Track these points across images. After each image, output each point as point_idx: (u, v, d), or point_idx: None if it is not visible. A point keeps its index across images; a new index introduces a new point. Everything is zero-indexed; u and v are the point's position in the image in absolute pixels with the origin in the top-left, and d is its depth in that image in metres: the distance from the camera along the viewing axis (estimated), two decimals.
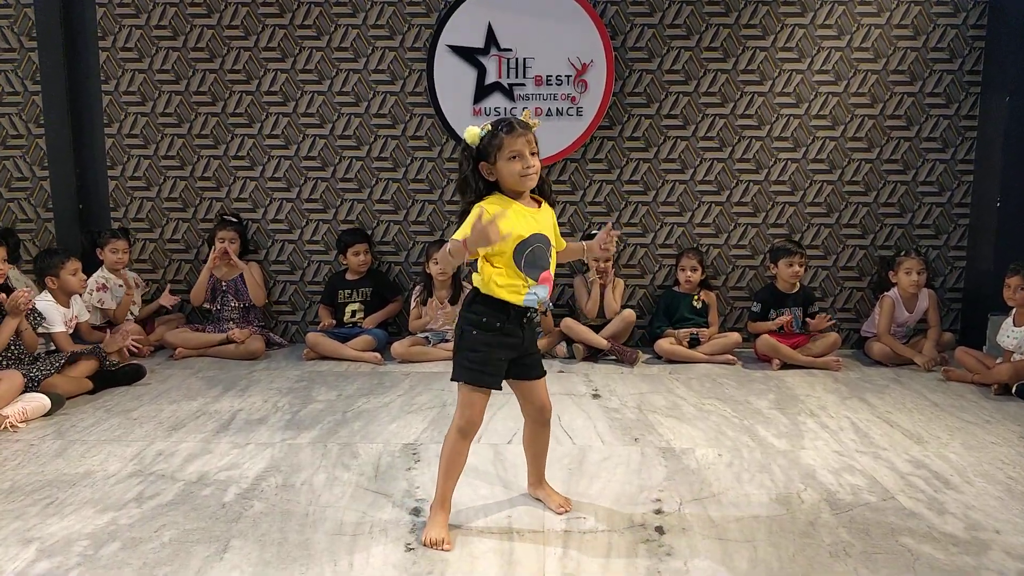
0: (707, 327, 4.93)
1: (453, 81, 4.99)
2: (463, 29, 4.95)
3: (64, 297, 4.27)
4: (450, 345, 4.59)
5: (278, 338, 5.15)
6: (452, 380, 2.44)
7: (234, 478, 2.89)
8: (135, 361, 4.42)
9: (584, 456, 3.14)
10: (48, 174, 5.10)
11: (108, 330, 4.46)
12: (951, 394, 4.12)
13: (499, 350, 2.41)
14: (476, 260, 2.38)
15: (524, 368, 2.51)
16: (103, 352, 4.07)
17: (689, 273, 4.94)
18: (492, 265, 2.37)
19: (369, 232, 5.15)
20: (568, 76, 4.98)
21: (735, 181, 5.15)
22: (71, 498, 2.71)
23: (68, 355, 3.93)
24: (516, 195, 2.40)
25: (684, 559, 2.30)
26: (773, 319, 4.78)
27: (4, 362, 3.75)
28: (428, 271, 4.84)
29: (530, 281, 2.38)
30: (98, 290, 4.71)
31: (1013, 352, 4.19)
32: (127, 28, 5.02)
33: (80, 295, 4.45)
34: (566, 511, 2.61)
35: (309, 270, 5.26)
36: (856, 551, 2.35)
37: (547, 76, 4.97)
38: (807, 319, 4.80)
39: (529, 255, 2.37)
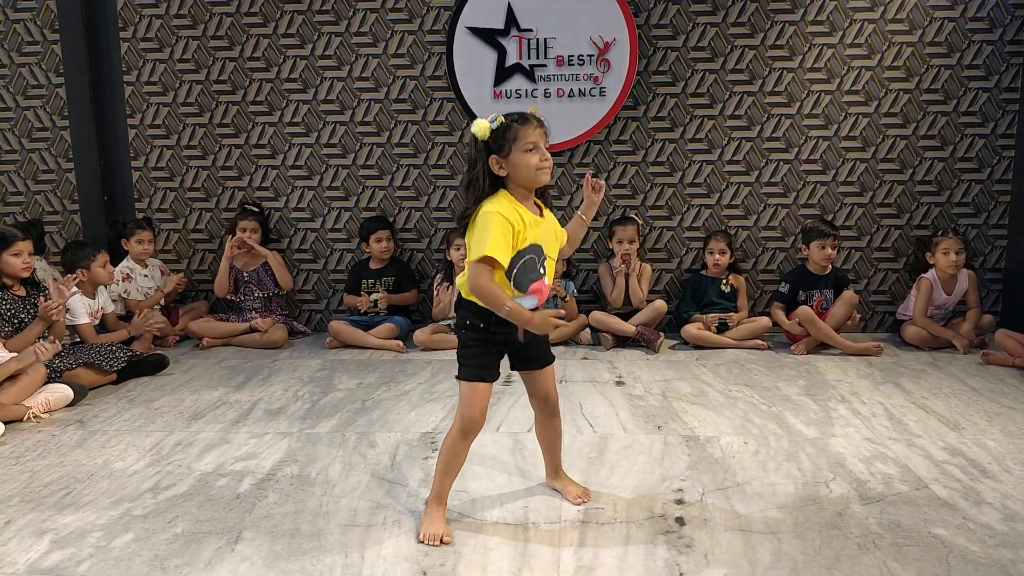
0: (736, 311, 4.81)
1: (473, 64, 4.91)
2: (482, 10, 4.86)
3: (90, 288, 4.30)
4: None
5: (301, 327, 5.14)
6: (456, 378, 2.39)
7: (250, 468, 2.87)
8: (158, 351, 4.44)
9: (605, 445, 3.07)
10: (73, 166, 5.13)
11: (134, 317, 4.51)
12: (990, 378, 3.96)
13: (490, 346, 2.36)
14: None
15: (527, 359, 2.46)
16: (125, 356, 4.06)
17: (717, 256, 4.82)
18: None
19: (391, 219, 5.11)
20: (591, 56, 4.86)
21: (764, 161, 5.01)
22: (87, 489, 2.71)
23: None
24: (523, 196, 2.31)
25: (705, 551, 2.22)
26: (803, 301, 4.64)
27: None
28: (449, 257, 4.79)
29: (516, 293, 2.30)
30: (123, 280, 4.73)
31: None
32: (147, 18, 5.02)
33: (107, 287, 4.48)
34: (584, 502, 2.54)
35: (332, 258, 5.24)
36: (886, 543, 2.25)
37: (569, 56, 4.86)
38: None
39: (520, 268, 2.28)
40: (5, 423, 3.31)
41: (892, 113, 4.91)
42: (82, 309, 4.18)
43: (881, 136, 4.94)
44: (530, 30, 4.86)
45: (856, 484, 2.67)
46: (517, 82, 4.90)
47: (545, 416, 2.55)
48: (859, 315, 4.70)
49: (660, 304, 4.72)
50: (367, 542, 2.30)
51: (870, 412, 3.44)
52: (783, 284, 4.76)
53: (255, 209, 5.01)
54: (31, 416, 3.41)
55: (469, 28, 4.88)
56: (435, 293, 4.88)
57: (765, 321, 4.72)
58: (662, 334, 4.66)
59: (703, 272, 4.94)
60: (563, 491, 2.59)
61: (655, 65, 4.95)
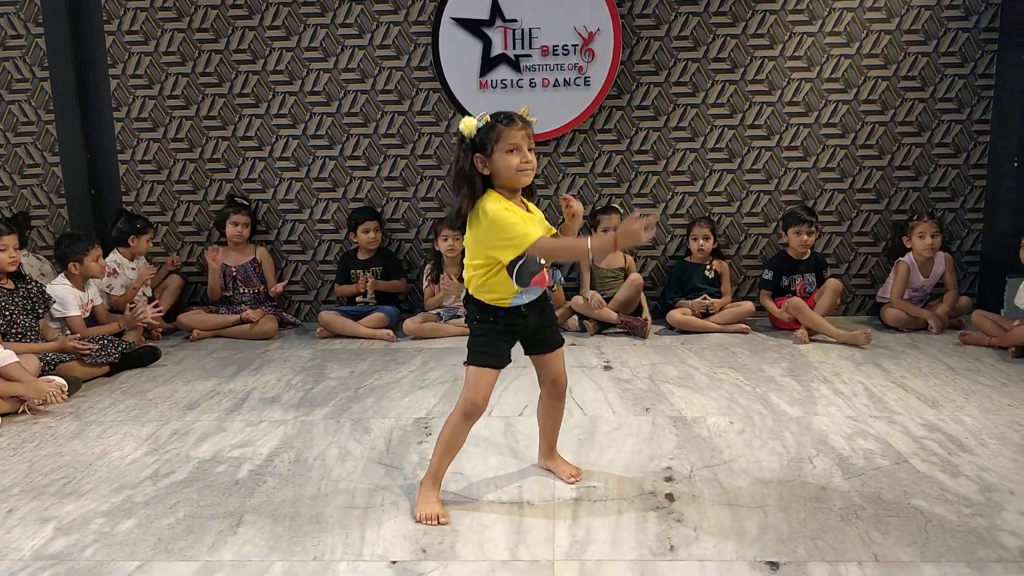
0: (720, 297, 4.90)
1: (459, 54, 4.95)
2: (467, 1, 4.89)
3: (81, 281, 4.32)
4: (461, 321, 4.60)
5: (291, 317, 5.17)
6: (464, 364, 2.43)
7: (247, 455, 2.92)
8: (149, 343, 4.47)
9: (595, 427, 3.14)
10: (59, 160, 5.13)
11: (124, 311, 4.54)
12: (967, 358, 4.07)
13: (501, 335, 2.41)
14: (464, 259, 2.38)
15: (537, 343, 2.52)
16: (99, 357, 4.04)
17: (701, 242, 4.90)
18: (481, 273, 2.35)
19: (379, 209, 5.15)
20: (575, 45, 4.92)
21: (746, 148, 5.09)
22: (87, 478, 2.75)
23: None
24: (508, 195, 2.36)
25: (694, 525, 2.30)
26: (786, 286, 4.75)
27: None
28: (438, 248, 4.84)
29: (518, 288, 2.34)
30: (109, 275, 4.74)
31: None
32: (132, 11, 5.02)
33: (98, 280, 4.50)
34: (577, 481, 2.61)
35: (320, 249, 5.27)
36: (867, 515, 2.34)
37: (553, 46, 4.92)
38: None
39: (522, 265, 2.31)
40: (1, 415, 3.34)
41: (871, 100, 5.01)
42: (73, 301, 4.20)
43: (860, 123, 5.03)
44: (515, 20, 4.91)
45: (838, 460, 2.76)
46: (503, 72, 4.95)
47: (552, 399, 2.61)
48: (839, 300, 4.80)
49: (635, 277, 4.75)
50: (366, 523, 2.37)
51: (851, 392, 3.54)
52: (767, 271, 4.85)
53: (245, 203, 5.03)
54: (26, 408, 3.44)
55: (454, 19, 4.92)
56: (424, 284, 4.94)
57: (748, 306, 4.81)
58: (648, 320, 4.73)
59: (687, 258, 5.02)
60: (556, 471, 2.66)
61: (639, 55, 5.01)
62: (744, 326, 4.73)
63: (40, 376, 3.61)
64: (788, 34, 4.96)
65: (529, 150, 2.33)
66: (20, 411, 3.43)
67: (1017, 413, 3.21)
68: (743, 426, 3.12)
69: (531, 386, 2.66)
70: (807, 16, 4.94)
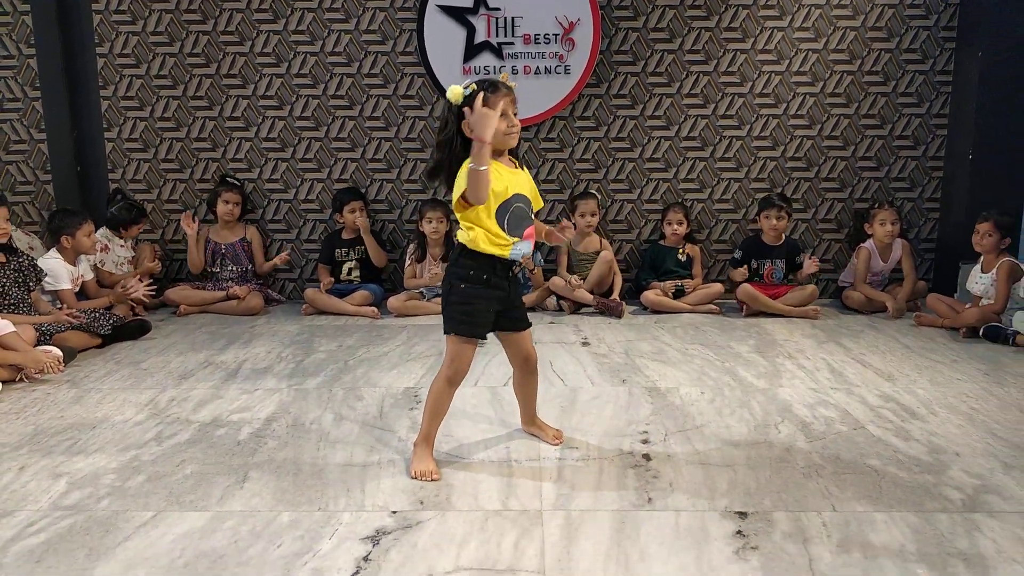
0: (692, 279, 5.12)
1: (443, 41, 5.09)
2: None
3: (72, 255, 4.40)
4: None
5: (276, 295, 5.30)
6: (445, 333, 2.59)
7: (246, 419, 3.07)
8: (139, 317, 4.57)
9: (575, 396, 3.33)
10: (45, 137, 5.19)
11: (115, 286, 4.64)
12: (922, 337, 4.34)
13: (486, 302, 2.56)
14: (460, 218, 2.53)
15: (510, 321, 2.67)
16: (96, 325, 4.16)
17: (675, 227, 5.11)
18: (477, 225, 2.51)
19: (363, 190, 5.28)
20: (556, 35, 5.09)
21: (718, 137, 5.31)
22: (93, 439, 2.87)
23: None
24: (495, 155, 2.52)
25: (669, 481, 2.50)
26: (755, 269, 4.99)
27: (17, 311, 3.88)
28: (422, 229, 4.99)
29: (513, 238, 2.53)
30: (101, 250, 4.82)
31: (981, 297, 4.40)
32: None
33: (90, 256, 4.59)
34: (560, 442, 2.80)
35: (305, 228, 5.40)
36: (827, 472, 2.56)
37: (535, 35, 5.08)
38: (797, 271, 5.01)
39: (511, 215, 2.50)
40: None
41: (836, 93, 5.25)
42: (65, 275, 4.29)
43: (826, 115, 5.28)
44: (498, 9, 5.06)
45: (801, 426, 2.99)
46: (486, 59, 5.10)
47: (526, 374, 2.78)
48: (815, 260, 5.03)
49: (606, 254, 4.96)
50: (366, 478, 2.53)
51: (814, 366, 3.77)
52: (737, 251, 5.09)
53: (236, 182, 5.14)
54: (24, 377, 3.54)
55: (439, 6, 5.06)
56: (407, 263, 5.08)
57: (718, 287, 5.04)
58: (624, 303, 4.93)
59: (661, 242, 5.23)
60: (540, 434, 2.85)
61: (617, 45, 5.19)
62: (714, 307, 4.96)
63: (36, 346, 3.71)
64: (759, 28, 5.18)
65: (514, 114, 2.50)
66: (17, 379, 3.53)
67: (965, 386, 3.46)
68: (713, 396, 3.33)
69: None
70: (777, 12, 5.16)
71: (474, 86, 2.47)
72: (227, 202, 5.05)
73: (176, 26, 5.13)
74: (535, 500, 2.37)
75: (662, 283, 5.03)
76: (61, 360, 3.65)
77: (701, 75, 5.24)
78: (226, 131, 5.26)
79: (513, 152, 2.61)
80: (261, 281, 5.22)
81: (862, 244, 5.03)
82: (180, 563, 2.04)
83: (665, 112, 5.28)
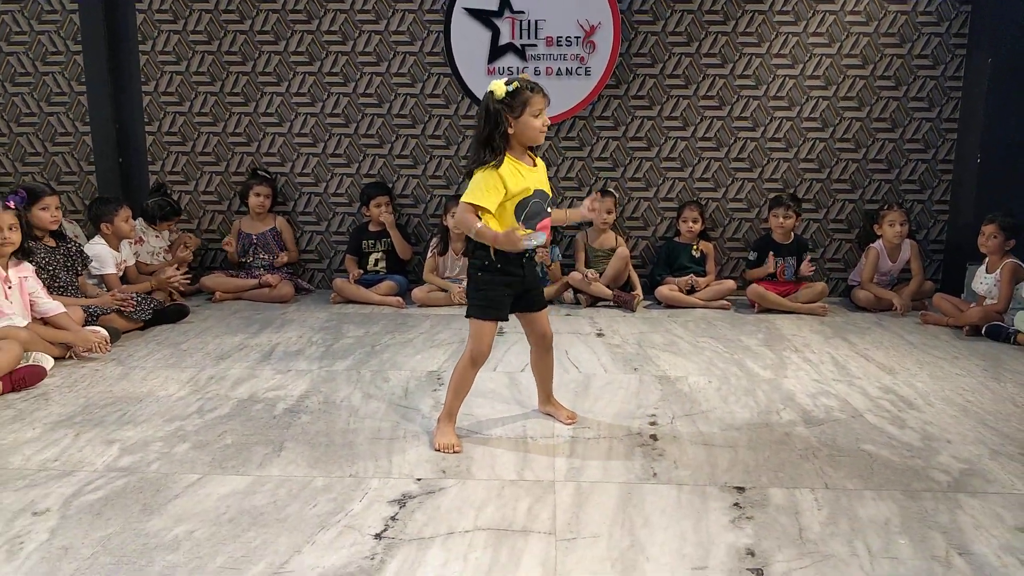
0: (705, 275, 5.29)
1: (469, 42, 5.30)
2: None
3: (115, 241, 4.66)
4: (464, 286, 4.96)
5: (305, 284, 5.53)
6: (466, 317, 2.81)
7: (281, 396, 3.29)
8: (178, 302, 4.82)
9: (589, 382, 3.53)
10: (89, 130, 5.45)
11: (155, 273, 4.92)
12: (926, 335, 4.49)
13: (502, 287, 2.76)
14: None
15: (528, 302, 2.88)
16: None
17: (691, 224, 5.28)
18: (494, 218, 2.71)
19: (390, 185, 5.50)
20: (577, 37, 5.27)
21: (733, 138, 5.47)
22: (140, 411, 3.11)
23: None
24: (520, 153, 2.73)
25: (674, 459, 2.70)
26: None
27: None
28: (445, 223, 5.18)
29: (528, 230, 2.72)
30: (136, 243, 5.07)
31: (985, 297, 4.54)
32: None
33: (131, 241, 4.85)
34: (573, 422, 3.00)
35: (334, 221, 5.63)
36: (823, 455, 2.74)
37: (557, 37, 5.27)
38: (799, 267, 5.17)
39: (528, 211, 2.72)
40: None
41: (849, 97, 5.40)
42: (110, 260, 4.54)
43: (838, 117, 5.42)
44: (522, 12, 5.26)
45: (802, 413, 3.16)
46: (509, 60, 5.30)
47: (542, 351, 2.99)
48: (812, 262, 5.19)
49: (621, 251, 5.14)
50: (392, 450, 2.74)
51: (819, 360, 3.94)
52: (751, 252, 5.25)
53: (267, 175, 5.38)
54: (74, 354, 3.79)
55: (466, 9, 5.26)
56: (428, 255, 5.28)
57: (730, 284, 5.21)
58: (638, 295, 5.11)
59: (676, 239, 5.41)
60: (555, 414, 3.05)
61: (636, 48, 5.37)
62: (726, 302, 5.13)
63: (84, 327, 3.96)
64: (775, 33, 5.34)
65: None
66: (67, 356, 3.79)
67: (963, 381, 3.62)
68: (720, 384, 3.51)
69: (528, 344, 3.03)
70: (792, 17, 5.31)
71: (516, 83, 2.65)
72: (258, 195, 5.28)
73: (215, 25, 5.37)
74: (548, 472, 2.57)
75: (676, 279, 5.21)
76: (108, 340, 3.89)
77: (717, 78, 5.40)
78: (260, 126, 5.50)
79: (532, 147, 2.81)
80: (291, 271, 5.46)
81: (872, 244, 5.18)
82: (225, 518, 2.26)
83: (682, 113, 5.45)
